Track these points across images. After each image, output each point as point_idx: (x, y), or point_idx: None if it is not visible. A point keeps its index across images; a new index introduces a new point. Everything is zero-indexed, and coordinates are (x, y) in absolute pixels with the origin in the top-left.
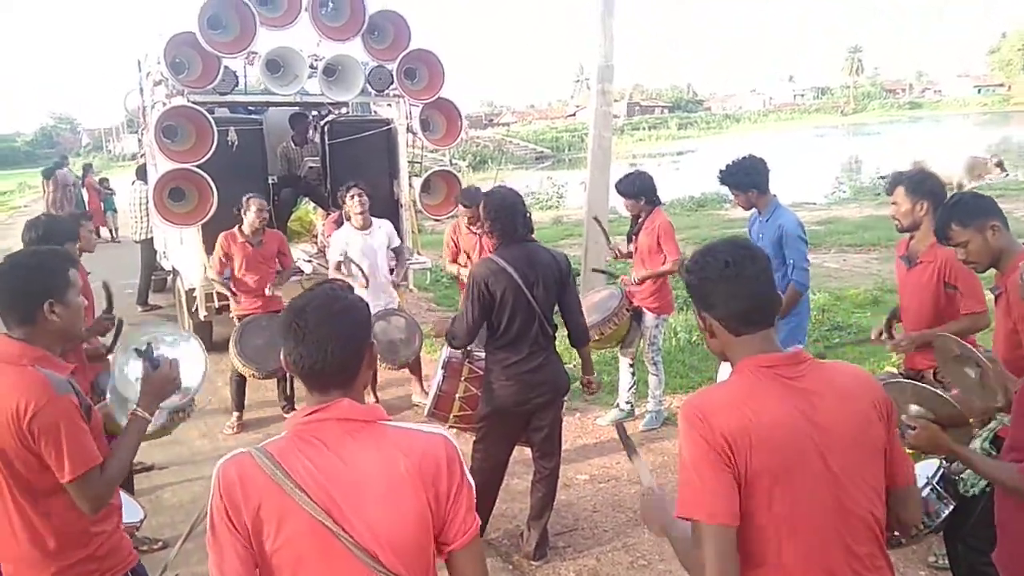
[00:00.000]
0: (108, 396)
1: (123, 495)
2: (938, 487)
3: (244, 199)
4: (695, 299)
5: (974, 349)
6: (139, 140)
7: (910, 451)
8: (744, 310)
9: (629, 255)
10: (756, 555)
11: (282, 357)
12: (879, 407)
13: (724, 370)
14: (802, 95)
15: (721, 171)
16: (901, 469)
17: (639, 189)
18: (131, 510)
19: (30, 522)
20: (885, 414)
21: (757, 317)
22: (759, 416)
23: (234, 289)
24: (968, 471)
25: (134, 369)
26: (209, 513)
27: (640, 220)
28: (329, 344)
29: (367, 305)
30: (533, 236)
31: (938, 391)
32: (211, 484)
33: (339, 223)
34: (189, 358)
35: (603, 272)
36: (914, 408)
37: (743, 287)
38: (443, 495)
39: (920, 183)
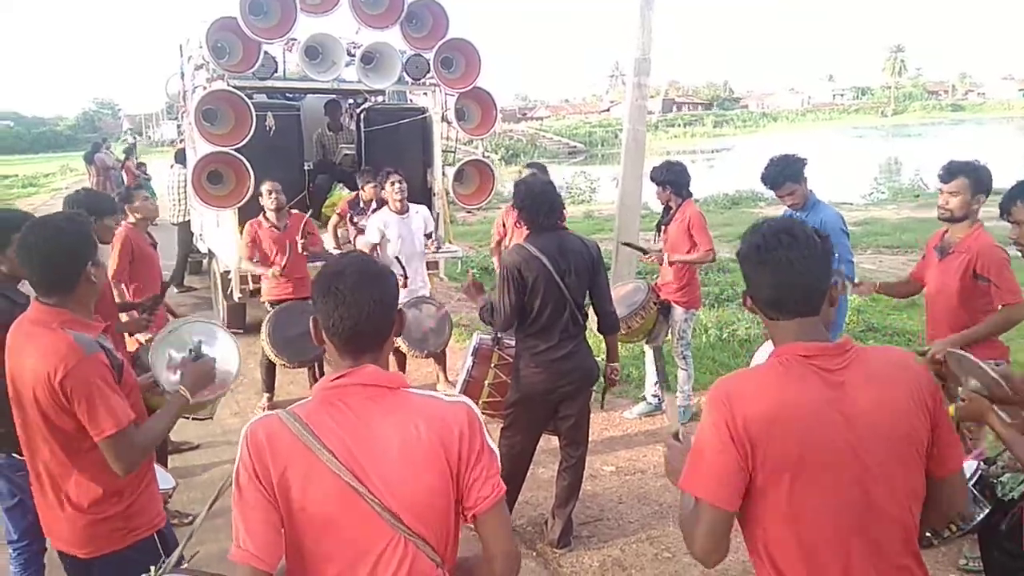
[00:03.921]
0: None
1: (156, 466)
2: (974, 490)
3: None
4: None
5: (983, 365)
6: (177, 127)
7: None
8: (769, 297)
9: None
10: (780, 545)
11: (312, 326)
12: (920, 395)
13: (756, 361)
14: (841, 95)
15: (763, 173)
16: (949, 455)
17: (666, 177)
18: (164, 478)
19: (68, 478)
20: (927, 402)
21: (784, 306)
22: (786, 407)
23: (264, 265)
24: (1007, 475)
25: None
26: (235, 473)
27: (671, 211)
28: (368, 306)
29: (393, 273)
30: (564, 224)
31: (994, 374)
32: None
33: (353, 207)
34: (225, 355)
35: (634, 247)
36: (973, 383)
37: (771, 273)
38: (463, 461)
39: (987, 178)
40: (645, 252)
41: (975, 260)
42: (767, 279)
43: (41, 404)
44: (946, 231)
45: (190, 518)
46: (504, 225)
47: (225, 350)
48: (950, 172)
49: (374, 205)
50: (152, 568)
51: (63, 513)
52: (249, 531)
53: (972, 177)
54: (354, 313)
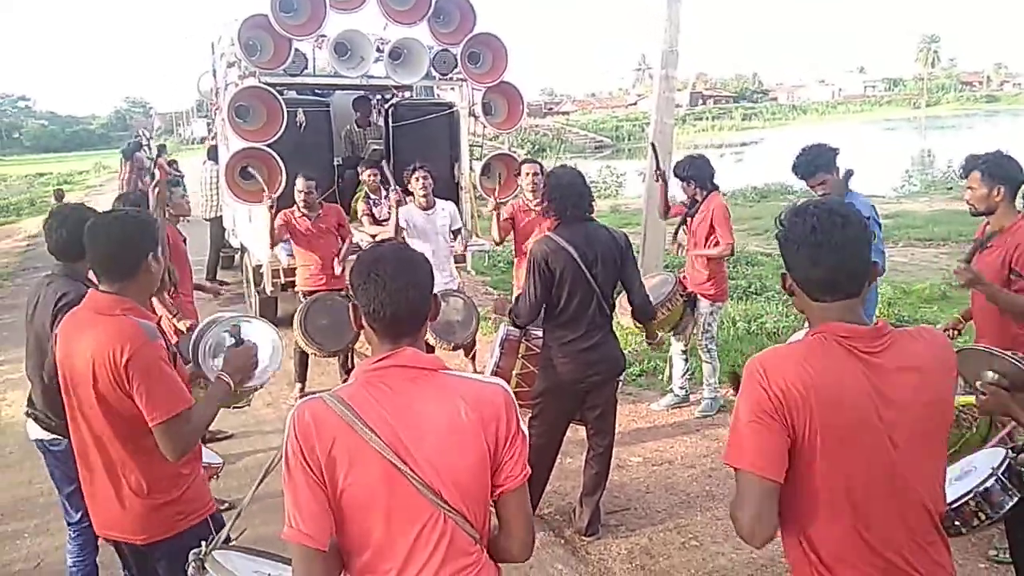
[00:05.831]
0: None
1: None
2: (1003, 478)
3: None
4: (781, 255)
5: (1000, 352)
6: (208, 124)
7: (980, 416)
8: (823, 279)
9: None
10: (811, 517)
11: (352, 311)
12: (952, 381)
13: None
14: (873, 86)
15: (794, 163)
16: None
17: (688, 173)
18: (210, 455)
19: (126, 464)
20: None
21: (837, 287)
22: (823, 378)
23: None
24: None
25: (218, 345)
26: (284, 455)
27: (697, 204)
28: (408, 291)
29: (428, 260)
30: (592, 216)
31: (1015, 359)
32: (285, 428)
33: (366, 200)
34: (264, 343)
35: (657, 156)
36: (989, 375)
37: (825, 255)
38: (501, 440)
39: (998, 167)
40: (659, 167)
41: (1011, 253)
42: (823, 260)
43: (100, 387)
44: (987, 223)
45: (226, 505)
46: (512, 219)
47: (264, 339)
48: (965, 167)
49: (384, 193)
50: (203, 543)
51: (120, 500)
52: (300, 511)
53: (985, 169)
54: (394, 298)
